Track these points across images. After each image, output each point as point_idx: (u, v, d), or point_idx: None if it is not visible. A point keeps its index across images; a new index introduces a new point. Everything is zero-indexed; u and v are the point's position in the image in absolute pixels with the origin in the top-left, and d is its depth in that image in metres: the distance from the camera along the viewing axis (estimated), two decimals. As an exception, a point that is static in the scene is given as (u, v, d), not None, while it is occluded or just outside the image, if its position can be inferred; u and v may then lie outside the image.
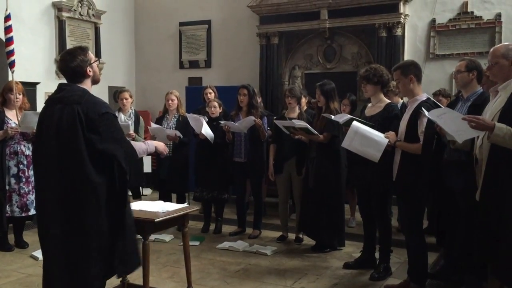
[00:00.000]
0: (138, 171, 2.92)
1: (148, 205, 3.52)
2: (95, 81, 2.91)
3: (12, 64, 5.13)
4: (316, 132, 4.86)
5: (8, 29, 5.15)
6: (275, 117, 5.60)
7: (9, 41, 5.14)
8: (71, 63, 2.78)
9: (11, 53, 5.12)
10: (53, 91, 2.89)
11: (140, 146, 3.02)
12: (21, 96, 5.08)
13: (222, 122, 5.53)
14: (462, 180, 3.60)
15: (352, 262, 4.61)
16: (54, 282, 2.81)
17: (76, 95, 2.73)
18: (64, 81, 2.88)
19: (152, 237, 5.11)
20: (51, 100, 2.83)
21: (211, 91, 6.31)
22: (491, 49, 3.29)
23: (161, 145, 3.21)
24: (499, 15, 6.96)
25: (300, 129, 4.89)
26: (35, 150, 3.01)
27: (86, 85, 2.83)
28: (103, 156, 2.72)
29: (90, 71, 2.84)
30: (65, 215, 2.70)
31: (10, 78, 6.50)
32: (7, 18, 5.17)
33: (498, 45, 3.33)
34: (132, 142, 2.95)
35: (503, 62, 3.13)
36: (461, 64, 3.83)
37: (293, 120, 4.97)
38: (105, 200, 2.72)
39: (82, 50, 2.87)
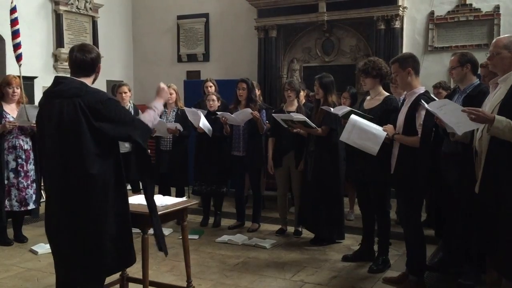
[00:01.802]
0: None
1: (147, 199, 3.51)
2: (95, 79, 2.94)
3: (19, 58, 5.03)
4: (314, 125, 4.86)
5: (14, 22, 5.01)
6: (273, 110, 5.59)
7: (16, 34, 4.99)
8: (91, 54, 2.80)
9: (18, 46, 5.00)
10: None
11: (150, 116, 2.92)
12: (18, 90, 5.06)
13: (219, 113, 5.52)
14: (457, 171, 3.61)
15: (351, 254, 4.62)
16: (66, 274, 2.82)
17: (75, 87, 2.73)
18: (61, 75, 2.88)
19: (151, 231, 5.11)
20: (49, 94, 2.82)
21: (211, 84, 6.29)
22: (494, 40, 3.29)
23: (163, 99, 3.08)
24: (497, 7, 6.95)
25: (298, 122, 4.89)
26: (38, 143, 3.02)
27: (89, 81, 2.84)
28: (111, 143, 2.75)
29: (100, 68, 2.88)
30: (72, 208, 2.70)
31: (8, 72, 6.50)
32: (13, 10, 5.04)
33: (502, 36, 3.33)
34: (141, 115, 2.95)
35: (505, 53, 3.13)
36: (454, 60, 3.84)
37: (291, 113, 4.96)
38: (113, 189, 2.75)
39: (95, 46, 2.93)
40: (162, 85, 3.13)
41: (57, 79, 2.83)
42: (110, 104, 2.73)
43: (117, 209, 2.79)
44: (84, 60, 2.79)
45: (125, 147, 5.30)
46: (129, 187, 2.77)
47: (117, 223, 2.80)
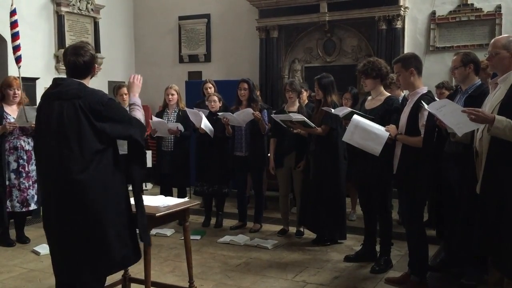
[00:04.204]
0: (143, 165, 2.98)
1: (149, 200, 3.52)
2: (92, 76, 2.94)
3: (18, 59, 5.05)
4: (313, 125, 4.85)
5: (14, 24, 5.05)
6: (274, 111, 5.59)
7: (15, 36, 5.03)
8: (84, 57, 2.79)
9: (18, 48, 5.04)
10: (53, 86, 2.89)
11: (138, 113, 3.02)
12: (19, 92, 5.07)
13: (220, 113, 5.52)
14: (458, 171, 3.60)
15: (352, 255, 4.62)
16: (69, 275, 2.81)
17: (74, 89, 2.73)
18: (59, 77, 2.88)
19: (153, 231, 5.12)
20: (48, 96, 2.82)
21: (210, 85, 6.30)
22: (492, 40, 3.28)
23: (135, 92, 3.22)
24: (499, 7, 6.94)
25: (297, 122, 4.88)
26: (35, 145, 3.01)
27: (87, 81, 2.84)
28: (110, 144, 2.77)
29: (96, 67, 2.88)
30: (72, 209, 2.70)
31: (10, 73, 6.51)
32: (13, 13, 5.08)
33: (500, 36, 3.32)
34: (133, 114, 2.99)
35: (503, 53, 3.12)
36: (456, 59, 3.83)
37: (290, 114, 4.96)
38: (113, 189, 2.76)
39: (89, 44, 2.90)
40: (131, 78, 3.25)
41: (55, 81, 2.83)
42: (110, 105, 2.76)
43: (119, 208, 2.80)
44: (77, 63, 2.78)
45: (124, 149, 5.31)
46: (130, 187, 2.78)
47: (120, 223, 2.80)
